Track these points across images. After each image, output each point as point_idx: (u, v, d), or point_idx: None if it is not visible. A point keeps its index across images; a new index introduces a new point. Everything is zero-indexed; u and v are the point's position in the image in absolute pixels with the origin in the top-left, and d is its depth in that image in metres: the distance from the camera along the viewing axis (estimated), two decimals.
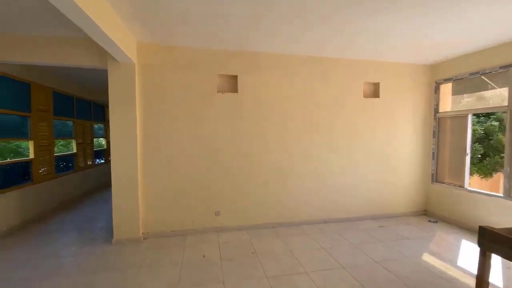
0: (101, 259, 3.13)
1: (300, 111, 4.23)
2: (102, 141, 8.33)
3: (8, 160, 4.28)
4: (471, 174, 5.64)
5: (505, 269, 2.95)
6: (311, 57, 4.20)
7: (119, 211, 3.56)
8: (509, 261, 2.14)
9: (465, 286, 2.60)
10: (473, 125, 5.11)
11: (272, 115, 4.12)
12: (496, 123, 7.04)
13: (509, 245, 1.64)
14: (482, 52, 3.92)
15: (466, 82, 4.34)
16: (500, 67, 3.69)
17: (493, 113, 7.06)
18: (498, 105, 4.00)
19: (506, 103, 3.69)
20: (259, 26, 3.10)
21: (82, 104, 6.62)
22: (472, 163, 6.43)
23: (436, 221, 4.52)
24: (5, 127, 4.10)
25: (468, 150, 4.25)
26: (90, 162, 7.02)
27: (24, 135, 4.53)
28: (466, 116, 4.26)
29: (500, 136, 6.74)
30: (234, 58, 3.92)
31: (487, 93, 4.30)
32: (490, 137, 7.02)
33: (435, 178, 4.80)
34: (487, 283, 1.83)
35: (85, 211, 5.11)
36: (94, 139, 7.43)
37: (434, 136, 4.79)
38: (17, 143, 4.72)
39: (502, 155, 4.14)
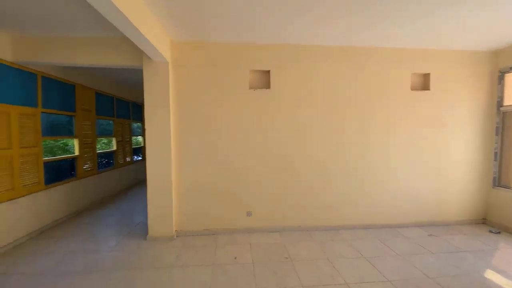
0: (136, 255, 3.18)
1: (337, 107, 3.92)
2: (140, 139, 8.73)
3: (57, 156, 4.62)
4: None
5: None
6: (350, 47, 3.86)
7: (153, 209, 3.61)
8: None
9: None
10: None
11: (306, 112, 3.87)
12: None
13: None
14: None
15: None
16: None
17: None
18: None
19: None
20: (301, 14, 2.87)
21: (122, 104, 6.96)
22: None
23: (499, 232, 3.91)
24: (55, 126, 4.42)
25: None
26: (129, 159, 7.38)
27: (70, 133, 4.86)
28: None
29: None
30: (267, 52, 3.74)
31: None
32: None
33: (498, 182, 4.15)
34: None
35: (123, 206, 5.35)
36: (133, 137, 7.80)
37: (497, 134, 4.13)
38: (64, 141, 5.07)
39: None
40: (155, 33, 2.92)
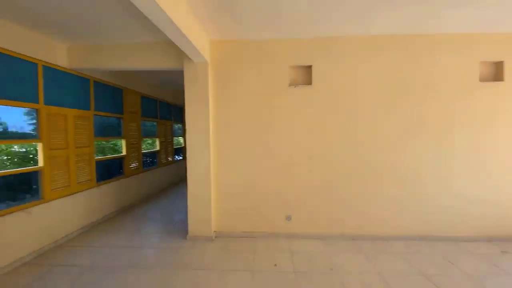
0: (177, 255, 3.20)
1: (388, 104, 3.51)
2: (181, 139, 9.08)
3: (107, 156, 4.95)
4: None
5: None
6: (407, 36, 3.43)
7: (193, 209, 3.62)
8: None
9: None
10: None
11: (353, 110, 3.54)
12: None
13: None
14: None
15: None
16: None
17: None
18: None
19: None
20: (351, 2, 2.63)
21: (164, 106, 7.28)
22: None
23: None
24: (105, 128, 4.74)
25: None
26: (171, 159, 7.69)
27: (118, 134, 5.18)
28: None
29: None
30: (308, 46, 3.51)
31: None
32: None
33: None
34: None
35: (165, 203, 5.55)
36: (174, 138, 8.13)
37: None
38: (114, 141, 5.43)
39: None
40: (195, 33, 2.90)
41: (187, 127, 3.59)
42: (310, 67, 3.56)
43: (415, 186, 3.56)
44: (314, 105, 3.56)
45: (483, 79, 3.48)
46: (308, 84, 3.57)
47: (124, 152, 5.20)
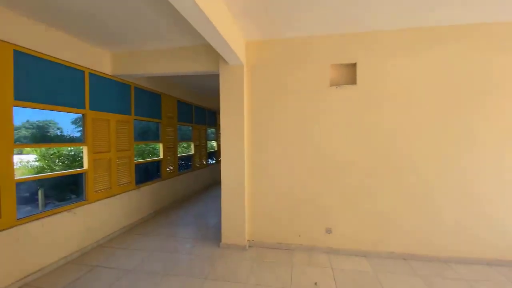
0: (210, 263, 3.08)
1: (447, 109, 3.04)
2: (214, 143, 9.19)
3: (146, 159, 5.11)
4: None
5: None
6: (469, 25, 2.96)
7: (226, 216, 3.50)
8: None
9: None
10: None
11: (405, 112, 3.13)
12: None
13: None
14: None
15: None
16: None
17: None
18: None
19: None
20: None
21: (199, 111, 7.40)
22: None
23: None
24: (144, 132, 4.90)
25: None
26: (204, 162, 7.78)
27: (156, 138, 5.33)
28: None
29: None
30: (352, 42, 3.20)
31: None
32: None
33: None
34: None
35: (199, 206, 5.56)
36: (207, 142, 8.24)
37: None
38: (153, 145, 5.61)
39: None
40: (232, 34, 2.81)
41: (221, 131, 3.50)
42: (354, 65, 3.24)
43: (480, 203, 3.01)
44: (358, 107, 3.22)
45: None
46: (352, 84, 3.25)
47: (161, 156, 5.32)
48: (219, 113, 8.98)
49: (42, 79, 2.93)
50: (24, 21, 2.71)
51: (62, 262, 3.05)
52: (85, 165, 3.48)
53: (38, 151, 3.62)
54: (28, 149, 3.43)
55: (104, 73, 3.78)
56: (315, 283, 2.63)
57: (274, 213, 3.50)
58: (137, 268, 2.97)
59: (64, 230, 3.11)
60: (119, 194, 4.01)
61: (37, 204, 3.50)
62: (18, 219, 2.62)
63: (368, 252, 3.25)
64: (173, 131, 5.78)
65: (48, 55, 2.96)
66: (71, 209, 3.19)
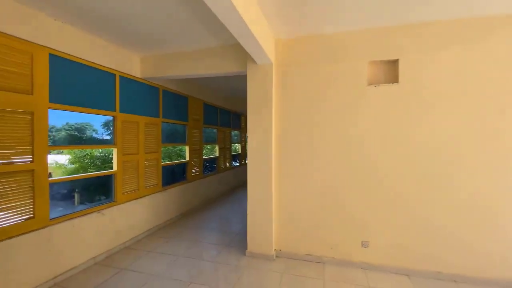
0: (235, 274, 2.92)
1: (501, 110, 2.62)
2: (237, 146, 9.12)
3: (172, 161, 5.13)
4: None
5: None
6: None
7: (253, 224, 3.33)
8: None
9: None
10: None
11: (454, 115, 2.75)
12: None
13: None
14: None
15: None
16: None
17: None
18: None
19: None
20: None
21: (224, 113, 7.37)
22: None
23: None
24: (172, 134, 4.91)
25: None
26: (228, 165, 7.72)
27: (183, 141, 5.33)
28: None
29: None
30: (395, 36, 2.89)
31: None
32: None
33: None
34: None
35: (224, 210, 5.48)
36: (232, 144, 8.18)
37: None
38: (180, 147, 5.63)
39: None
40: (262, 32, 2.67)
41: (248, 133, 3.35)
42: (396, 61, 2.92)
43: None
44: (401, 109, 2.89)
45: None
46: (393, 83, 2.93)
47: (187, 158, 5.31)
48: (243, 116, 9.01)
49: (75, 82, 2.99)
50: (59, 26, 2.78)
51: (91, 263, 3.07)
52: (115, 167, 3.51)
53: (72, 152, 3.74)
54: (65, 150, 3.55)
55: (133, 76, 3.82)
56: None
57: (304, 222, 3.26)
58: (163, 274, 2.90)
59: (94, 231, 3.14)
60: (146, 196, 4.03)
61: (72, 202, 3.61)
62: (50, 219, 2.67)
63: (411, 270, 2.89)
64: (199, 133, 5.77)
65: (81, 58, 3.02)
66: (100, 210, 3.22)
